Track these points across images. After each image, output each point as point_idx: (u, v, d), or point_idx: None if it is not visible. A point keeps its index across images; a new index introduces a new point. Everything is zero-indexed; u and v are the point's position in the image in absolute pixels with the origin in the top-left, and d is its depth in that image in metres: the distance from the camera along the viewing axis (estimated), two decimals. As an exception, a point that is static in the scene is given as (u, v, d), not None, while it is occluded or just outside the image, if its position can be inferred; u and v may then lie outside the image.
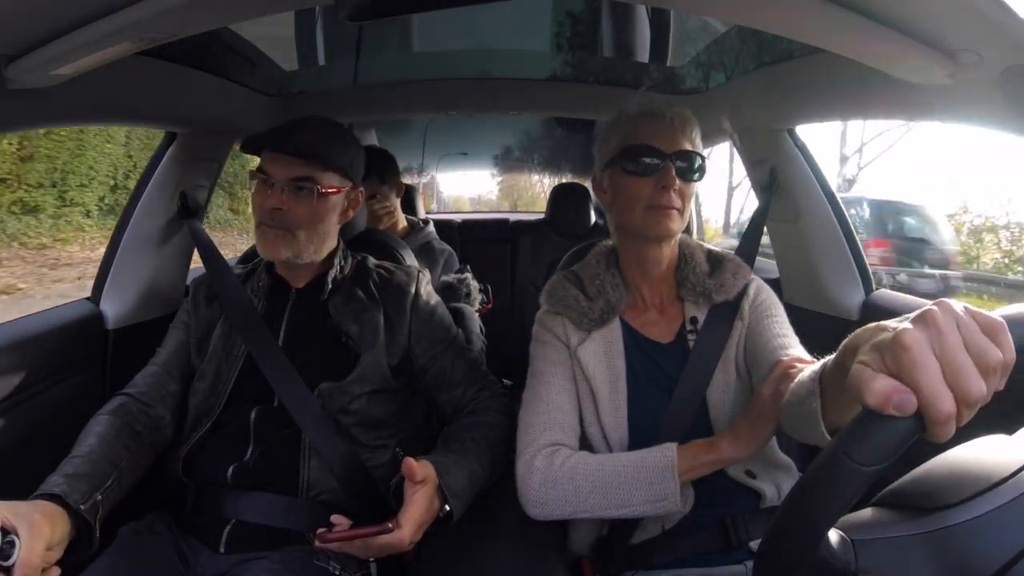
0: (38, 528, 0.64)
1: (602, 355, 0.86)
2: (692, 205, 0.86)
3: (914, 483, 0.45)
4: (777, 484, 0.84)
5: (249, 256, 1.27)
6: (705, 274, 0.88)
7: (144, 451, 0.90)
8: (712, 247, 0.96)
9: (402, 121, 2.77)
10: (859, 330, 0.43)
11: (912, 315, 0.37)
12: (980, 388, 0.34)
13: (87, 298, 1.27)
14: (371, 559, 0.83)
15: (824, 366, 0.51)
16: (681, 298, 0.90)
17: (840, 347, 0.46)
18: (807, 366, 0.65)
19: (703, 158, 0.86)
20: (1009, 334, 0.35)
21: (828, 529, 0.40)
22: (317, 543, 0.72)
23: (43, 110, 0.87)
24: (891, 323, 0.39)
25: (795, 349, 0.81)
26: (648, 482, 0.74)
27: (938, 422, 0.33)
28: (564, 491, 0.77)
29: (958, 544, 0.39)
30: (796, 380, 0.59)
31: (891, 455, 0.35)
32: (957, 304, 0.36)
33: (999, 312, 0.38)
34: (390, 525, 0.73)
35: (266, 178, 0.92)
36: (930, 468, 0.45)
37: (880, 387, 0.35)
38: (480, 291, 1.45)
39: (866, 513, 0.46)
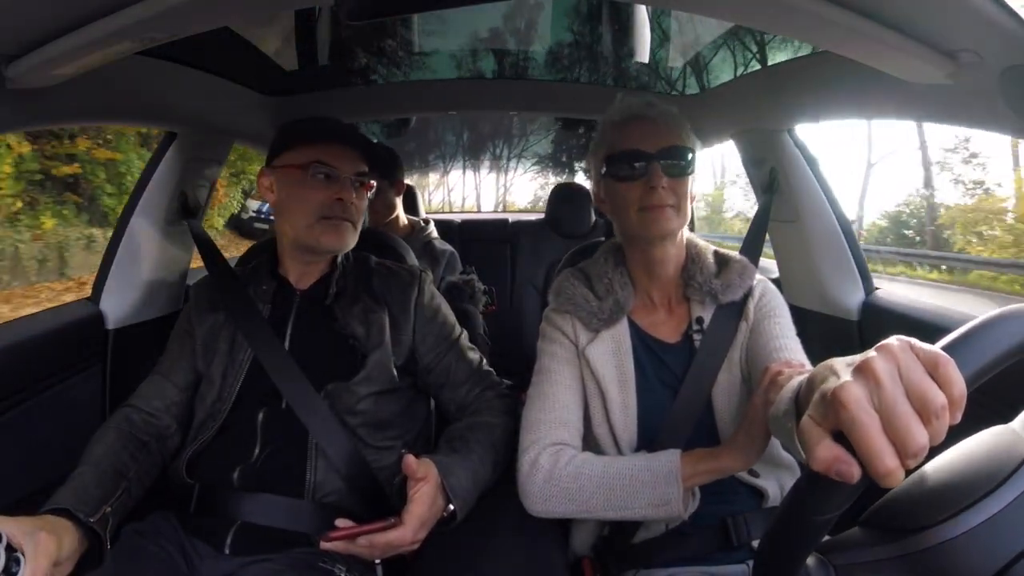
0: (44, 546, 0.64)
1: (611, 355, 0.86)
2: (689, 200, 0.85)
3: (899, 500, 0.45)
4: (780, 482, 0.84)
5: (248, 257, 1.27)
6: (712, 274, 0.88)
7: (151, 461, 0.90)
8: (719, 248, 0.95)
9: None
10: (820, 365, 0.42)
11: (855, 363, 0.36)
12: (921, 441, 0.33)
13: (87, 298, 1.27)
14: (377, 561, 0.83)
15: (801, 385, 0.51)
16: (687, 298, 0.90)
17: (808, 376, 0.45)
18: (794, 372, 0.66)
19: (693, 152, 0.85)
20: (954, 369, 0.34)
21: (798, 568, 0.41)
22: (322, 543, 0.72)
23: (43, 110, 0.87)
24: (841, 364, 0.39)
25: (791, 352, 0.81)
26: (652, 486, 0.74)
27: (881, 477, 0.33)
28: (567, 490, 0.77)
29: (939, 565, 0.39)
30: (779, 395, 0.60)
31: (841, 507, 0.37)
32: (901, 344, 0.35)
33: (946, 341, 0.37)
34: (392, 520, 0.73)
35: (333, 172, 0.94)
36: (916, 482, 0.45)
37: (822, 455, 0.35)
38: (484, 293, 1.45)
39: (850, 535, 0.46)
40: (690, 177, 0.84)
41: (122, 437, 0.88)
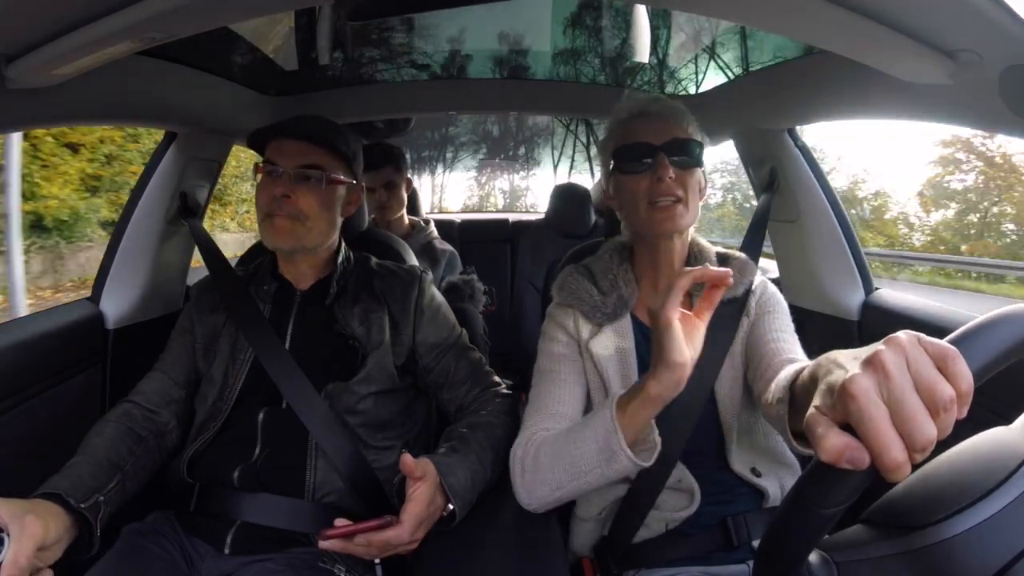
0: (30, 528, 0.64)
1: (613, 349, 0.86)
2: (698, 196, 0.85)
3: (901, 498, 0.45)
4: (781, 483, 0.84)
5: (249, 258, 1.27)
6: None
7: (149, 456, 0.90)
8: (720, 248, 0.96)
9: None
10: (823, 357, 0.43)
11: (864, 354, 0.36)
12: (929, 434, 0.33)
13: (87, 298, 1.27)
14: (376, 562, 0.83)
15: (798, 374, 0.51)
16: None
17: (810, 367, 0.45)
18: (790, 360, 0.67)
19: (700, 145, 0.85)
20: (962, 362, 0.34)
21: (801, 564, 0.41)
22: (320, 542, 0.72)
23: (43, 110, 0.87)
24: (846, 357, 0.39)
25: (787, 344, 0.81)
26: (595, 441, 0.72)
27: (889, 470, 0.33)
28: (538, 473, 0.76)
29: (942, 562, 0.39)
30: (774, 382, 0.60)
31: (848, 499, 0.37)
32: (909, 338, 0.35)
33: (954, 336, 0.37)
34: (389, 518, 0.73)
35: (273, 168, 0.93)
36: (918, 480, 0.45)
37: (832, 444, 0.35)
38: (484, 293, 1.45)
39: (852, 532, 0.46)
40: (698, 171, 0.84)
41: (120, 431, 0.88)
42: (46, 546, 0.66)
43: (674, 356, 0.65)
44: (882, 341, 0.36)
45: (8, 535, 0.62)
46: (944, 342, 0.36)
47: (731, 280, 0.64)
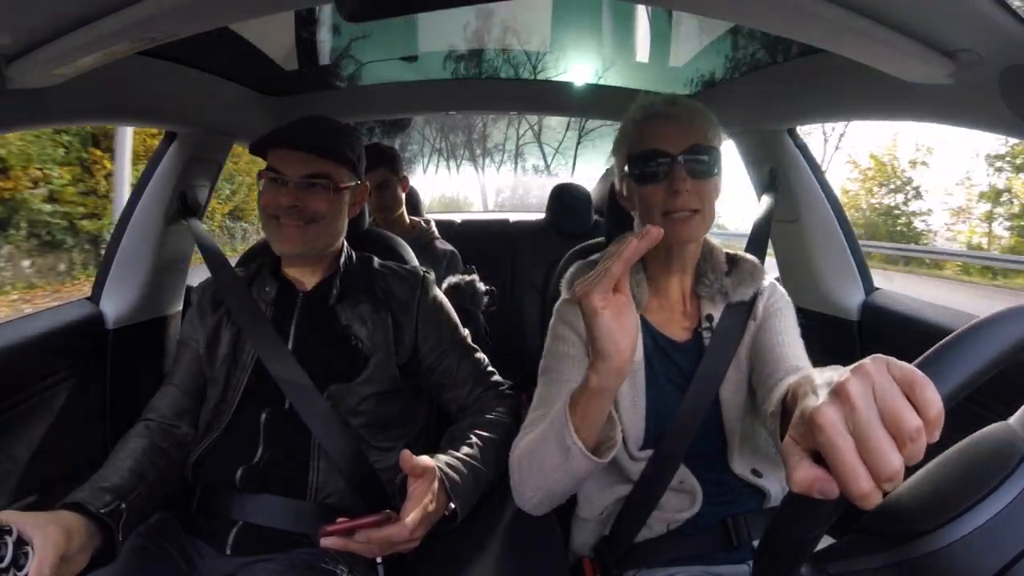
0: (53, 538, 0.65)
1: None
2: (714, 201, 0.82)
3: (897, 505, 0.45)
4: (783, 483, 0.84)
5: (248, 259, 1.27)
6: (723, 273, 0.87)
7: (172, 466, 0.91)
8: (729, 249, 0.94)
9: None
10: (802, 377, 0.43)
11: (833, 382, 0.36)
12: (894, 465, 0.33)
13: (87, 298, 1.27)
14: (378, 561, 0.82)
15: (789, 388, 0.51)
16: (698, 295, 0.90)
17: (793, 385, 0.46)
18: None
19: (717, 151, 0.82)
20: (930, 389, 0.33)
21: None
22: (321, 540, 0.72)
23: (43, 110, 0.87)
24: (821, 381, 0.39)
25: (790, 347, 0.81)
26: (554, 438, 0.70)
27: (857, 499, 0.33)
28: (521, 474, 0.75)
29: (940, 569, 0.39)
30: (772, 394, 0.60)
31: (826, 524, 0.37)
32: (876, 366, 0.35)
33: (924, 358, 0.37)
34: (387, 512, 0.73)
35: (277, 176, 0.93)
36: (914, 485, 0.45)
37: (802, 477, 0.35)
38: (485, 293, 1.45)
39: (846, 542, 0.46)
40: (715, 178, 0.82)
41: (142, 444, 0.89)
42: (70, 556, 0.67)
43: (606, 345, 0.61)
44: (850, 368, 0.36)
45: (32, 548, 0.63)
46: (912, 367, 0.35)
47: (659, 234, 0.60)
